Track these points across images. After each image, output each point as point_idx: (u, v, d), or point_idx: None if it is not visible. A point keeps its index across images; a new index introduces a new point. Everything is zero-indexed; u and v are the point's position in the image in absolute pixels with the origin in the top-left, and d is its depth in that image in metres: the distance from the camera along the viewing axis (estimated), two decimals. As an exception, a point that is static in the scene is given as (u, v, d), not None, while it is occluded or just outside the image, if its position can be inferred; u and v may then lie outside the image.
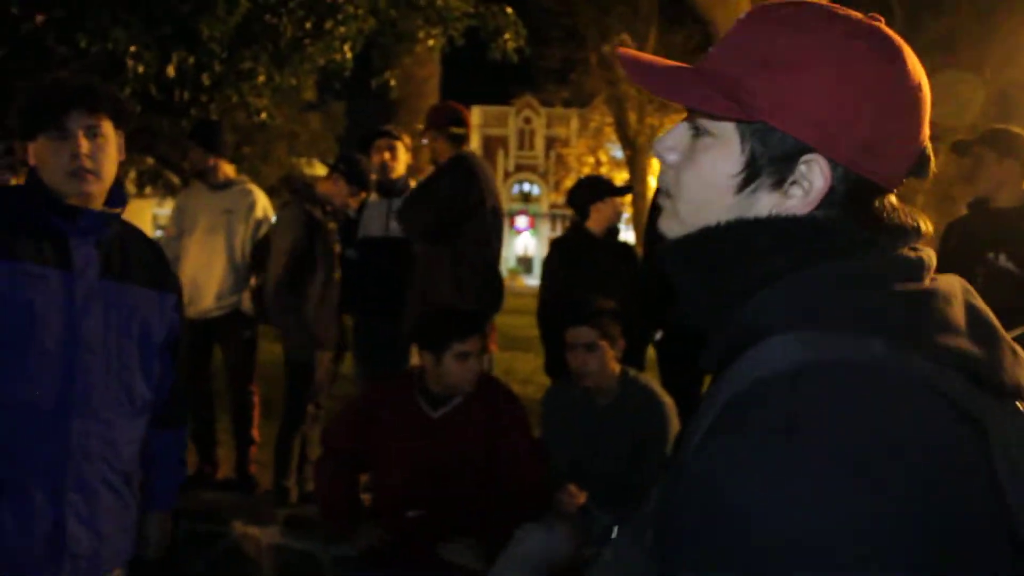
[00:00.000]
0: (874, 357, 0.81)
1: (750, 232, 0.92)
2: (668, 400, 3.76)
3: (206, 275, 4.96)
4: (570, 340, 3.57)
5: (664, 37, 28.09)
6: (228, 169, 5.09)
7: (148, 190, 19.87)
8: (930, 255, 0.92)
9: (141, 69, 5.91)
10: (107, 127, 2.14)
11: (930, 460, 0.76)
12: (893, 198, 0.94)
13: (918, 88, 0.90)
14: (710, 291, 0.95)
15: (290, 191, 4.88)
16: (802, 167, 0.90)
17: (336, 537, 4.07)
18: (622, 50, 0.99)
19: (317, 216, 4.62)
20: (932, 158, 0.95)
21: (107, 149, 2.15)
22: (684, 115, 1.00)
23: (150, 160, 16.75)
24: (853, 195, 0.90)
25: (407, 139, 5.07)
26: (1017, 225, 3.83)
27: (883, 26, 0.92)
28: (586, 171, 33.79)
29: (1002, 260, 3.80)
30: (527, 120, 48.18)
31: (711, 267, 0.94)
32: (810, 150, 0.89)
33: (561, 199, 45.40)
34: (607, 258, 4.78)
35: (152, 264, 2.32)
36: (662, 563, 0.83)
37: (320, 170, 28.35)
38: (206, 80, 6.23)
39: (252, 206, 5.05)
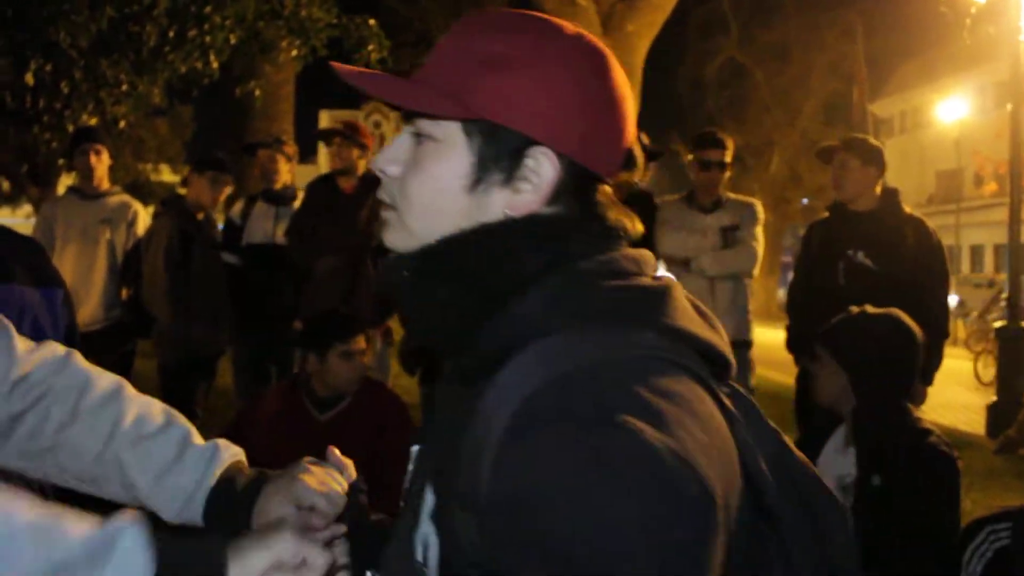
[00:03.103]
0: (652, 348, 0.85)
1: (494, 236, 0.91)
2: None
3: (85, 286, 4.83)
4: None
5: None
6: (105, 178, 5.05)
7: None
8: (650, 255, 0.97)
9: (-7, 75, 5.73)
10: None
11: (711, 445, 0.81)
12: (608, 190, 0.97)
13: (623, 88, 0.96)
14: (457, 302, 0.91)
15: (161, 203, 4.90)
16: (530, 161, 0.91)
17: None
18: (336, 65, 1.00)
19: (189, 227, 4.65)
20: (639, 156, 0.99)
21: None
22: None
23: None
24: (578, 186, 0.93)
25: (290, 148, 5.16)
26: (873, 226, 4.25)
27: (586, 32, 0.97)
28: (437, 175, 33.96)
29: (860, 257, 4.23)
30: (376, 124, 47.70)
31: (455, 277, 0.92)
32: (534, 144, 0.91)
33: (412, 203, 45.31)
34: None
35: (29, 260, 2.11)
36: None
37: (167, 175, 27.53)
38: (65, 88, 6.08)
39: (134, 220, 4.98)
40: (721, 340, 0.93)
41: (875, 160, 4.29)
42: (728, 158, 4.73)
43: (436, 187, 0.93)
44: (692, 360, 0.87)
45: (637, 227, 0.97)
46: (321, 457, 3.66)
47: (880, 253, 4.21)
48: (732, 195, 4.85)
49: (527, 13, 0.98)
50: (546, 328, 0.85)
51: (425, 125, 0.94)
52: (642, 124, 1.25)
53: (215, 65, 6.64)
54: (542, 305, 0.87)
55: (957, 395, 10.57)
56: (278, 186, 5.05)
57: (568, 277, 0.89)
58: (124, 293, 4.90)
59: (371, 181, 5.03)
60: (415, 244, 0.94)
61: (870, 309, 2.49)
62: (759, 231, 4.73)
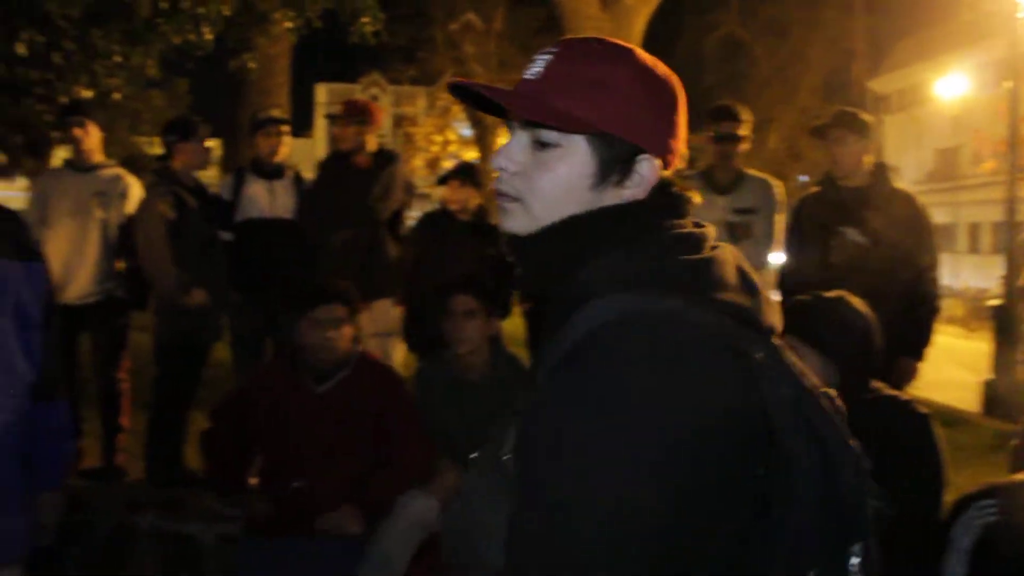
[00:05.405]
0: (670, 309, 1.06)
1: (588, 218, 1.15)
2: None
3: (78, 259, 4.82)
4: (450, 307, 3.73)
5: (511, 16, 28.40)
6: (97, 151, 5.01)
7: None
8: (711, 230, 1.18)
9: (-15, 47, 5.67)
10: None
11: (711, 383, 1.04)
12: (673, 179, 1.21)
13: (683, 101, 1.22)
14: (553, 266, 1.16)
15: (153, 173, 4.87)
16: (640, 166, 1.15)
17: (218, 515, 4.06)
18: (460, 81, 1.21)
19: (184, 196, 4.62)
20: (684, 151, 1.23)
21: None
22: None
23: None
24: (661, 182, 1.18)
25: (287, 127, 5.15)
26: (865, 202, 4.22)
27: (656, 60, 1.21)
28: (434, 150, 33.75)
29: (852, 234, 4.19)
30: (374, 98, 47.51)
31: (556, 248, 1.16)
32: (642, 151, 1.15)
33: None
34: (466, 238, 4.97)
35: (12, 233, 2.15)
36: (522, 484, 1.06)
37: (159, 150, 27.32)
38: (57, 59, 6.02)
39: (126, 193, 4.96)
40: (754, 304, 1.13)
41: (868, 133, 4.25)
42: (744, 131, 4.62)
43: (563, 183, 1.15)
44: (720, 322, 1.08)
45: (696, 200, 1.21)
46: (321, 429, 3.66)
47: (871, 229, 4.18)
48: (753, 172, 4.71)
49: (613, 43, 1.19)
50: (600, 291, 1.09)
51: (549, 135, 1.15)
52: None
53: (208, 37, 6.57)
54: (599, 273, 1.11)
55: (952, 373, 10.57)
56: (277, 159, 5.03)
57: (621, 254, 1.12)
58: (120, 265, 4.88)
59: (383, 156, 4.99)
60: (536, 228, 1.16)
61: (831, 294, 2.52)
62: (779, 219, 4.62)
